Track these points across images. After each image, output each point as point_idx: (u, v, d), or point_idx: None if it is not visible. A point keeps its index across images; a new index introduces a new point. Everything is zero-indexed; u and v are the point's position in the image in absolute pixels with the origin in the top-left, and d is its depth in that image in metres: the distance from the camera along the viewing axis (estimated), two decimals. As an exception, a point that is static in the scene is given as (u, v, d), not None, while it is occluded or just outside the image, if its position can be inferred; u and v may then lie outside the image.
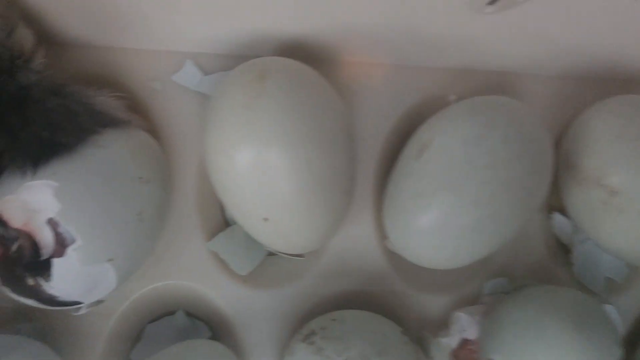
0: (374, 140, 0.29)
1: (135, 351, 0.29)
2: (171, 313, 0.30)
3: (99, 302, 0.26)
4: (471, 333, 0.27)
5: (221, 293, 0.28)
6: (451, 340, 0.28)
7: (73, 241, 0.23)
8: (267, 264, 0.29)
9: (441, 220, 0.26)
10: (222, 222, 0.30)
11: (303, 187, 0.24)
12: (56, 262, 0.23)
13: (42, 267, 0.23)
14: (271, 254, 0.29)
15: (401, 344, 0.26)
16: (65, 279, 0.23)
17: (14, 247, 0.24)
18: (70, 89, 0.24)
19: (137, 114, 0.27)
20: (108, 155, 0.24)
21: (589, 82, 0.32)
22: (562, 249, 0.31)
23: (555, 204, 0.31)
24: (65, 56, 0.28)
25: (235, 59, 0.27)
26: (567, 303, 0.26)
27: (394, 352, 0.25)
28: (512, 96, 0.30)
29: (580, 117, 0.29)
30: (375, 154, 0.29)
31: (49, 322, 0.28)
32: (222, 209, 0.30)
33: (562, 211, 0.31)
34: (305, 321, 0.28)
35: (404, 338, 0.26)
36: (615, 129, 0.27)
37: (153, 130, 0.28)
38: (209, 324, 0.30)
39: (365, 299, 0.29)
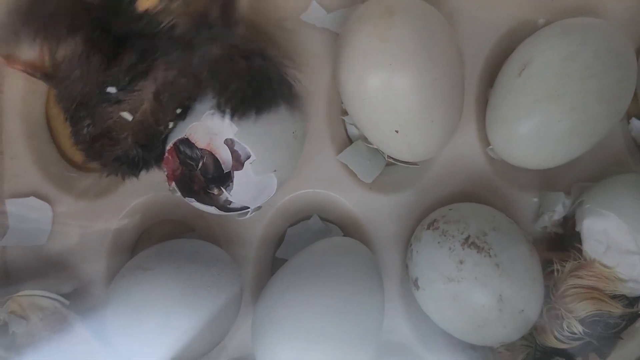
0: (475, 60, 0.34)
1: (279, 251, 0.36)
2: (307, 218, 0.36)
3: (259, 208, 0.31)
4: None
5: (350, 198, 0.34)
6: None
7: (248, 156, 0.29)
8: (388, 173, 0.35)
9: (540, 126, 0.30)
10: (346, 139, 0.35)
11: (429, 103, 0.30)
12: (236, 174, 0.29)
13: (225, 179, 0.29)
14: (390, 163, 0.35)
15: (508, 223, 0.31)
16: (242, 187, 0.29)
17: (200, 164, 0.30)
18: (269, 53, 0.28)
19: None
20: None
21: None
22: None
23: (632, 110, 0.35)
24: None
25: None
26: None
27: (505, 229, 0.31)
28: (595, 15, 0.34)
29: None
30: (476, 74, 0.34)
31: (210, 230, 0.34)
32: (345, 128, 0.35)
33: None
34: (422, 218, 0.33)
35: (508, 219, 0.32)
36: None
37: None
38: (340, 226, 0.36)
39: (471, 198, 0.34)
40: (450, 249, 0.30)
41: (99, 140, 0.29)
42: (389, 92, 0.29)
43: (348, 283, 0.31)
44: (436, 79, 0.29)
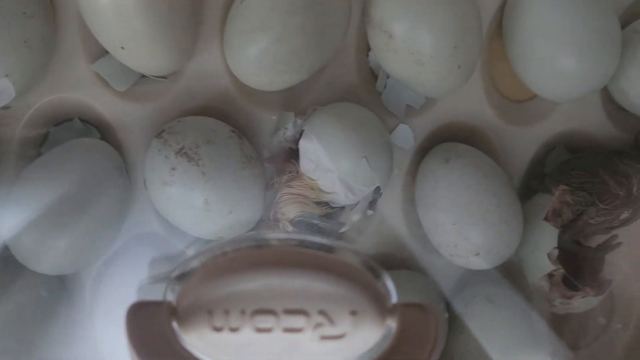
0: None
1: (43, 148, 0.39)
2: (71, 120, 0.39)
3: (6, 107, 0.35)
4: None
5: (104, 104, 0.37)
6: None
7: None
8: (143, 83, 0.38)
9: (257, 54, 0.34)
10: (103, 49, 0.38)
11: (153, 22, 0.32)
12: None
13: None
14: (144, 75, 0.38)
15: (227, 138, 0.35)
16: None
17: None
18: None
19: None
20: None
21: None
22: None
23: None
24: None
25: None
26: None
27: (220, 143, 0.35)
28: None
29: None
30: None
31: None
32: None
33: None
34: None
35: (232, 134, 0.36)
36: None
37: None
38: (98, 129, 0.39)
39: (215, 113, 0.38)
40: (166, 156, 0.34)
41: None
42: (114, 9, 0.32)
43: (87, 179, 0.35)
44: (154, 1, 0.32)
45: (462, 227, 0.37)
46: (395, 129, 0.40)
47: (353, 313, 0.23)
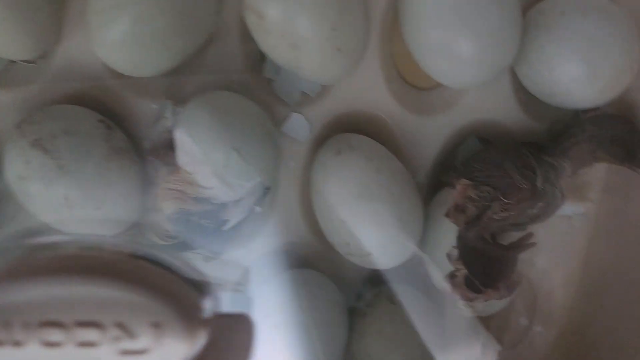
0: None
1: None
2: None
3: None
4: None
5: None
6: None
7: None
8: (9, 70, 0.35)
9: (115, 35, 0.31)
10: None
11: None
12: None
13: None
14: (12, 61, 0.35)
15: (91, 128, 0.32)
16: None
17: None
18: None
19: None
20: None
21: None
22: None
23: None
24: None
25: None
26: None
27: (82, 133, 0.32)
28: None
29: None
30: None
31: None
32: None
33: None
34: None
35: (98, 124, 0.33)
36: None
37: None
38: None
39: (88, 100, 0.35)
40: (22, 148, 0.31)
41: None
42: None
43: None
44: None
45: (354, 224, 0.34)
46: (288, 118, 0.37)
47: (155, 325, 0.20)
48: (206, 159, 0.32)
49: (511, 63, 0.35)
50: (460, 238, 0.35)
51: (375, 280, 0.39)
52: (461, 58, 0.33)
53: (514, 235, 0.38)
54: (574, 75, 0.34)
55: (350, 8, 0.31)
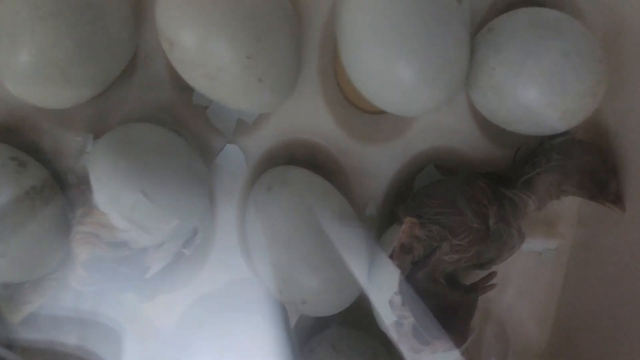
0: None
1: None
2: None
3: None
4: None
5: None
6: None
7: None
8: None
9: (17, 63, 0.28)
10: None
11: None
12: None
13: None
14: None
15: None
16: None
17: None
18: None
19: None
20: None
21: None
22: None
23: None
24: None
25: None
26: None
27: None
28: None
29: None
30: None
31: None
32: None
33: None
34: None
35: (8, 161, 0.30)
36: None
37: None
38: None
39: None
40: None
41: None
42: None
43: None
44: None
45: (284, 269, 0.31)
46: (222, 149, 0.34)
47: None
48: (113, 201, 0.29)
49: (461, 88, 0.31)
50: (408, 280, 0.32)
51: (322, 325, 0.36)
52: (404, 84, 0.29)
53: (478, 274, 0.35)
54: (530, 101, 0.30)
55: (268, 35, 0.28)
